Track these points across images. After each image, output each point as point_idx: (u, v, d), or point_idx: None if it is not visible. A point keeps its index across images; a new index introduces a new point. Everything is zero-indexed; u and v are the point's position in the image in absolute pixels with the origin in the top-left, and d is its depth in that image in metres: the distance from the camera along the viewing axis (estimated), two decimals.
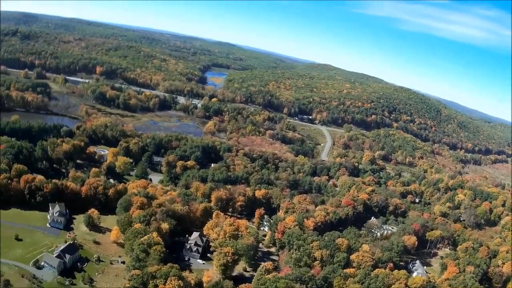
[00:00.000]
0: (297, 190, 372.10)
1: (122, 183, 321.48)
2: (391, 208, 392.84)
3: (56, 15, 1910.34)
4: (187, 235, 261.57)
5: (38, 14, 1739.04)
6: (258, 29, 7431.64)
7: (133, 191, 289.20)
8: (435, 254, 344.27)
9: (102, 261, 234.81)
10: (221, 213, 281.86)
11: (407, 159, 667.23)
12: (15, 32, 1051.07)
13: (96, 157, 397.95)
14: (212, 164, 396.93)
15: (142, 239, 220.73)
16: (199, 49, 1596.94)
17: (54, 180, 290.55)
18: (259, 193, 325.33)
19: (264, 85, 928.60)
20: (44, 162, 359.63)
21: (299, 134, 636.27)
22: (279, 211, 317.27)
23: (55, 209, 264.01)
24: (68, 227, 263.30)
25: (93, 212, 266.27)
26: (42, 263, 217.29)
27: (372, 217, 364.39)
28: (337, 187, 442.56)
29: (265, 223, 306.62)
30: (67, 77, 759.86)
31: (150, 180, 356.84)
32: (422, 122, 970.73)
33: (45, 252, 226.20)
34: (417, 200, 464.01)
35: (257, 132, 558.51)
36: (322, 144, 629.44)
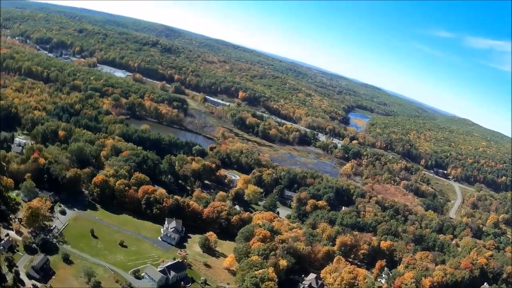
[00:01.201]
0: (420, 246, 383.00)
1: (248, 212, 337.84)
2: (504, 275, 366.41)
3: (200, 33, 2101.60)
4: (303, 275, 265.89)
5: (181, 30, 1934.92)
6: (405, 76, 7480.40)
7: (258, 222, 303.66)
8: None
9: (208, 285, 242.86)
10: (342, 258, 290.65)
11: None
12: (156, 43, 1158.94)
13: (226, 180, 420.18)
14: (343, 207, 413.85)
15: (256, 272, 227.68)
16: (344, 89, 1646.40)
17: (176, 196, 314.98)
18: (384, 244, 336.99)
19: (405, 133, 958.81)
20: (169, 176, 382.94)
21: (432, 188, 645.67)
22: (399, 264, 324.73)
23: (170, 224, 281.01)
24: (180, 244, 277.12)
25: (211, 235, 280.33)
26: (143, 274, 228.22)
27: (485, 283, 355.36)
28: (459, 247, 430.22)
29: (384, 275, 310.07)
30: (207, 97, 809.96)
31: (278, 213, 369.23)
32: None
33: (149, 264, 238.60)
34: None
35: (392, 181, 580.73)
36: (452, 201, 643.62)
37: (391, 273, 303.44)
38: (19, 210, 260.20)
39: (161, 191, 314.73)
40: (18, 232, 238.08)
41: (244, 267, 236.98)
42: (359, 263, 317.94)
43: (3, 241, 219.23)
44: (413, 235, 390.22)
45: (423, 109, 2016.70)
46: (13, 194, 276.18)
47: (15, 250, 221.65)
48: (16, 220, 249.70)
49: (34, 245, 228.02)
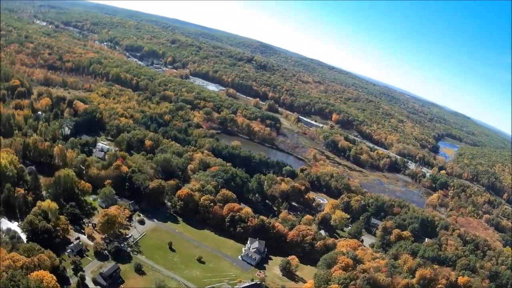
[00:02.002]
0: (494, 283, 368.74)
1: (333, 238, 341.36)
2: None
3: (296, 52, 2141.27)
4: None
5: (276, 47, 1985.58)
6: (494, 106, 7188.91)
7: (342, 249, 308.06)
8: None
9: None
10: None
11: None
12: (251, 59, 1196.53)
13: (314, 204, 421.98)
14: (426, 239, 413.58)
15: None
16: (435, 116, 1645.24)
17: (261, 216, 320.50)
18: (461, 280, 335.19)
19: (491, 165, 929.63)
20: (257, 195, 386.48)
21: None
22: None
23: (253, 244, 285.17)
24: (260, 265, 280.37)
25: (293, 259, 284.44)
26: None
27: None
28: None
29: None
30: (300, 117, 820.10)
31: (362, 241, 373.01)
32: None
33: (225, 283, 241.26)
34: None
35: (475, 214, 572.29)
36: None
37: None
38: (94, 215, 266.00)
39: (247, 210, 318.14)
40: (90, 237, 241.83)
41: None
42: None
43: (72, 244, 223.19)
44: (489, 271, 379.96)
45: (509, 141, 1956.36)
46: (90, 198, 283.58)
47: (85, 255, 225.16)
48: (90, 224, 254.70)
49: (105, 251, 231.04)
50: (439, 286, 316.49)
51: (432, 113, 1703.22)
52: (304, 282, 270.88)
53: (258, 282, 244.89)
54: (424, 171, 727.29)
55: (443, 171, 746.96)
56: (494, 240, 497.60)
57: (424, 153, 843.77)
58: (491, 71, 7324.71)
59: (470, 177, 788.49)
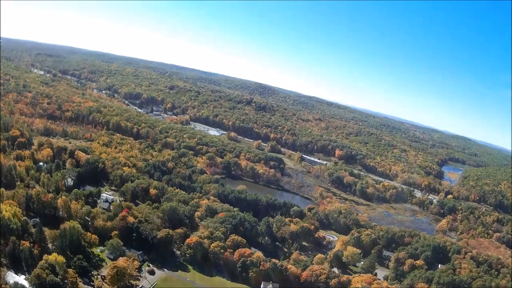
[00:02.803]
0: None
1: (347, 275, 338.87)
2: None
3: (293, 90, 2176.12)
4: None
5: (274, 87, 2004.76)
6: (493, 124, 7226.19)
7: (357, 285, 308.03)
8: None
9: None
10: None
11: None
12: (250, 101, 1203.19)
13: (324, 242, 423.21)
14: (439, 265, 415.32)
15: None
16: (437, 142, 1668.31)
17: (273, 260, 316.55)
18: None
19: (497, 184, 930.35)
20: (266, 238, 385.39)
21: None
22: None
23: None
24: None
25: None
26: None
27: None
28: None
29: None
30: (303, 155, 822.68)
31: (375, 274, 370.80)
32: None
33: None
34: None
35: (485, 234, 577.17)
36: None
37: None
38: (103, 267, 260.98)
39: (258, 254, 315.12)
40: None
41: None
42: None
43: None
44: None
45: (509, 156, 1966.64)
46: (97, 250, 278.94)
47: None
48: (99, 277, 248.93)
49: None
50: None
51: (434, 139, 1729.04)
52: None
53: None
54: (431, 198, 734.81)
55: (450, 196, 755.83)
56: (507, 257, 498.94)
57: (429, 180, 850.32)
58: (490, 90, 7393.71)
59: (477, 198, 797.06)
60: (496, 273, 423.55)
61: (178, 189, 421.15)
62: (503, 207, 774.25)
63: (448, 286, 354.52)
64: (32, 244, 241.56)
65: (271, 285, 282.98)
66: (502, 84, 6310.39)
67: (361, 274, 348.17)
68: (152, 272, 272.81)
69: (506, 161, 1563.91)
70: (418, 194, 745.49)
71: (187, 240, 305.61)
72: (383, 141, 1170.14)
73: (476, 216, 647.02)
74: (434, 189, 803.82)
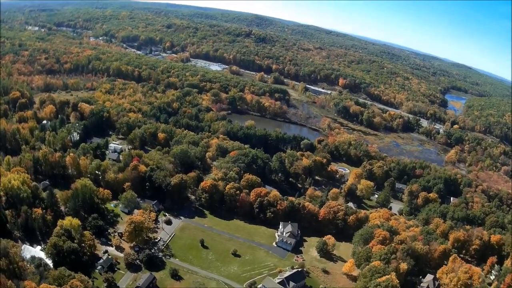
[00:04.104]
0: None
1: (364, 211, 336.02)
2: None
3: (291, 20, 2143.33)
4: (420, 277, 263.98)
5: (271, 18, 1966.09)
6: (493, 53, 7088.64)
7: (376, 222, 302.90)
8: None
9: None
10: (458, 257, 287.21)
11: None
12: (249, 34, 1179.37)
13: (337, 176, 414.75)
14: (451, 198, 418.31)
15: (380, 279, 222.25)
16: (438, 70, 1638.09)
17: (290, 198, 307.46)
18: (494, 239, 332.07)
19: (501, 115, 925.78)
20: (279, 174, 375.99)
21: None
22: (506, 259, 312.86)
23: (286, 228, 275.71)
24: (296, 249, 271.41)
25: (329, 238, 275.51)
26: (260, 286, 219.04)
27: None
28: None
29: (493, 272, 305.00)
30: (307, 86, 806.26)
31: (390, 208, 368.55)
32: None
33: (266, 275, 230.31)
34: None
35: (494, 167, 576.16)
36: None
37: (501, 269, 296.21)
38: (118, 223, 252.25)
39: (275, 193, 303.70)
40: (119, 248, 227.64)
41: (367, 274, 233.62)
42: (469, 259, 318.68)
43: (101, 260, 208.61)
44: None
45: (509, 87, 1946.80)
46: (110, 205, 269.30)
47: (116, 268, 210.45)
48: (116, 234, 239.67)
49: (137, 261, 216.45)
50: (474, 247, 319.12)
51: (434, 67, 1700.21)
52: (343, 261, 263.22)
53: (299, 269, 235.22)
54: (437, 127, 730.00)
55: (456, 126, 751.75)
56: None
57: (434, 109, 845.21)
58: (490, 20, 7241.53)
59: (483, 129, 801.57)
60: (507, 209, 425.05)
61: (187, 130, 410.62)
62: (509, 139, 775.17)
63: (462, 221, 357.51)
64: (44, 211, 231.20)
65: (289, 224, 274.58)
66: (501, 15, 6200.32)
67: (378, 209, 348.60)
68: (169, 222, 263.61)
69: (507, 91, 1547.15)
70: (424, 123, 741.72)
71: (202, 184, 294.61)
72: (385, 69, 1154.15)
73: (483, 147, 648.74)
74: (440, 118, 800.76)
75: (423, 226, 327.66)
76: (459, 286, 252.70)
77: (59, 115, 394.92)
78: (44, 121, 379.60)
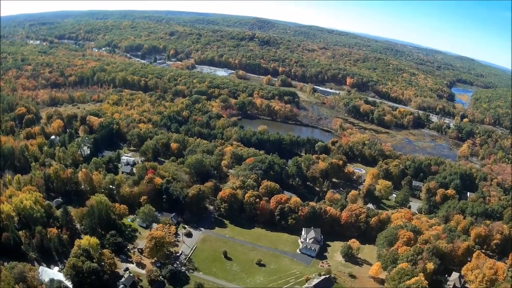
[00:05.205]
0: None
1: (385, 212, 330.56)
2: None
3: (292, 21, 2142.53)
4: (446, 275, 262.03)
5: (273, 20, 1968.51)
6: (495, 44, 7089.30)
7: (399, 222, 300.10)
8: None
9: None
10: (481, 253, 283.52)
11: None
12: (252, 37, 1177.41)
13: (354, 177, 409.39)
14: (468, 193, 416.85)
15: (409, 282, 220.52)
16: (442, 63, 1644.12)
17: (311, 203, 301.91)
18: None
19: (509, 106, 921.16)
20: (297, 179, 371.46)
21: None
22: None
23: (309, 234, 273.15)
24: (321, 255, 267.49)
25: (354, 242, 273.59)
26: None
27: None
28: None
29: None
30: (315, 87, 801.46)
31: (409, 207, 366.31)
32: None
33: (292, 284, 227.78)
34: None
35: (506, 159, 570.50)
36: None
37: None
38: (137, 238, 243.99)
39: (295, 199, 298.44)
40: (140, 264, 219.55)
41: (395, 277, 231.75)
42: (491, 254, 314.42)
43: (123, 279, 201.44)
44: None
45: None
46: (127, 220, 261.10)
47: (139, 286, 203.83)
48: (136, 250, 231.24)
49: (160, 277, 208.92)
50: (495, 241, 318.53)
51: (438, 61, 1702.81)
52: (369, 264, 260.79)
53: (326, 276, 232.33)
54: (447, 122, 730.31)
55: (465, 120, 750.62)
56: None
57: (443, 103, 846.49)
58: (490, 12, 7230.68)
59: (492, 121, 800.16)
60: None
61: (199, 139, 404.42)
62: None
63: (481, 216, 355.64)
64: (59, 230, 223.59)
65: (312, 230, 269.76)
66: (501, 7, 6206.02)
67: (398, 209, 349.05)
68: (189, 235, 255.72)
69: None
70: (434, 118, 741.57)
71: (220, 193, 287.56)
72: (391, 65, 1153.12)
73: (494, 139, 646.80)
74: (449, 112, 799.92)
75: (445, 224, 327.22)
76: (484, 282, 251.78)
77: (67, 130, 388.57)
78: (53, 136, 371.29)
